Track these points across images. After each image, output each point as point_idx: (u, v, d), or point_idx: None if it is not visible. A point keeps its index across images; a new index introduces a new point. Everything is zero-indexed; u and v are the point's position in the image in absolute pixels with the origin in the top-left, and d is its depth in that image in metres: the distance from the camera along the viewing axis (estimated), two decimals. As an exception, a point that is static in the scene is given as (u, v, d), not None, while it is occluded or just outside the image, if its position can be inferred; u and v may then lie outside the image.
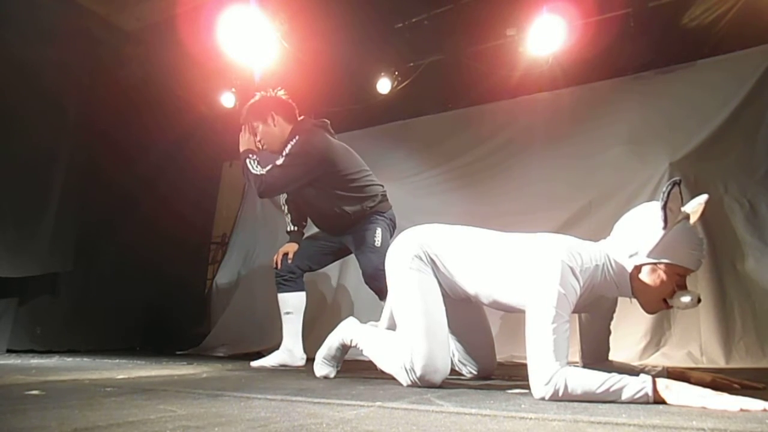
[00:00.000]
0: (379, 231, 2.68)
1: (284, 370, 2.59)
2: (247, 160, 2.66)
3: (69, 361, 2.83)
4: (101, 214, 3.94)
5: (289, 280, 2.81)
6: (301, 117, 2.79)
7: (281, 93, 2.81)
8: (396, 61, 4.10)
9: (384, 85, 4.11)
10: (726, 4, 3.26)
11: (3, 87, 3.22)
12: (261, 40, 3.49)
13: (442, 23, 3.71)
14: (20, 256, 3.29)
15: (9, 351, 3.31)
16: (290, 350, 2.76)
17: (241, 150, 2.75)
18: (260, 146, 2.75)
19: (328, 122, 2.82)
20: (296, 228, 2.96)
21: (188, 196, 4.66)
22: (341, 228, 2.76)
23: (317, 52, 3.83)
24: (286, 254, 2.86)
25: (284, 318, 2.82)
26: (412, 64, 4.09)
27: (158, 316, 4.43)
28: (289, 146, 2.62)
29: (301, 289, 2.84)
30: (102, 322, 3.99)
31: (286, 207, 3.00)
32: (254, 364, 2.74)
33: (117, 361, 2.85)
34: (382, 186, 2.82)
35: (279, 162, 2.61)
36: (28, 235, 3.35)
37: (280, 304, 2.83)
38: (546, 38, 3.37)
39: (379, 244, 2.66)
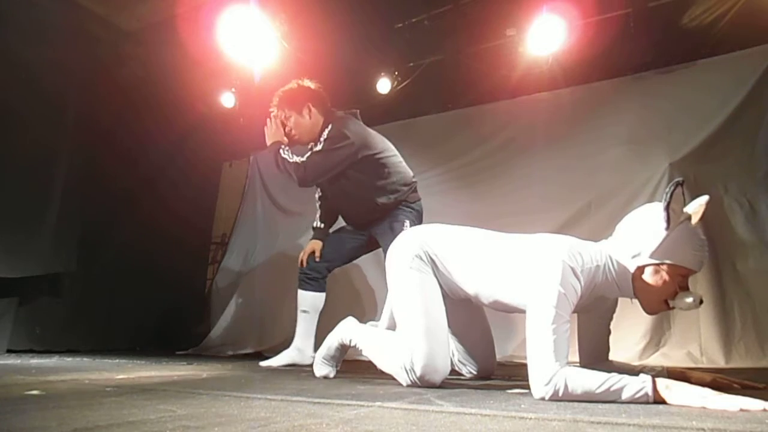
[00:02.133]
0: (407, 223, 2.65)
1: (284, 370, 2.58)
2: (281, 151, 2.63)
3: (69, 361, 2.83)
4: (101, 214, 3.93)
5: (313, 279, 2.79)
6: (332, 108, 2.75)
7: (310, 83, 2.75)
8: (396, 61, 4.09)
9: (384, 85, 4.11)
10: (726, 4, 3.26)
11: (3, 87, 3.22)
12: (261, 40, 3.49)
13: (442, 23, 3.71)
14: (21, 256, 3.29)
15: (9, 351, 3.30)
16: (300, 349, 2.74)
17: (269, 142, 2.71)
18: (289, 138, 2.70)
19: (358, 111, 2.80)
20: (323, 225, 2.92)
21: (188, 196, 4.65)
22: (371, 221, 2.73)
23: (317, 52, 3.83)
24: (312, 253, 2.82)
25: (300, 316, 2.79)
26: (412, 64, 4.09)
27: (158, 316, 4.43)
28: (325, 132, 2.59)
29: (322, 290, 2.81)
30: (102, 322, 3.99)
31: (318, 202, 2.97)
32: (263, 363, 2.73)
33: (117, 361, 2.85)
34: (414, 177, 2.78)
35: (317, 148, 2.57)
36: (29, 235, 3.35)
37: (299, 300, 2.80)
38: (546, 38, 3.37)
39: None
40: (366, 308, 4.00)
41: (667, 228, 1.38)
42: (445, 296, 1.73)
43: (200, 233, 5.04)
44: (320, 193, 2.95)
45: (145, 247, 4.18)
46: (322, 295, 2.82)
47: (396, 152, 2.76)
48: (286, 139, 2.70)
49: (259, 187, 4.92)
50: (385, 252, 2.67)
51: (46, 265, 3.44)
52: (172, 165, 4.55)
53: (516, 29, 3.59)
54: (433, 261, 1.72)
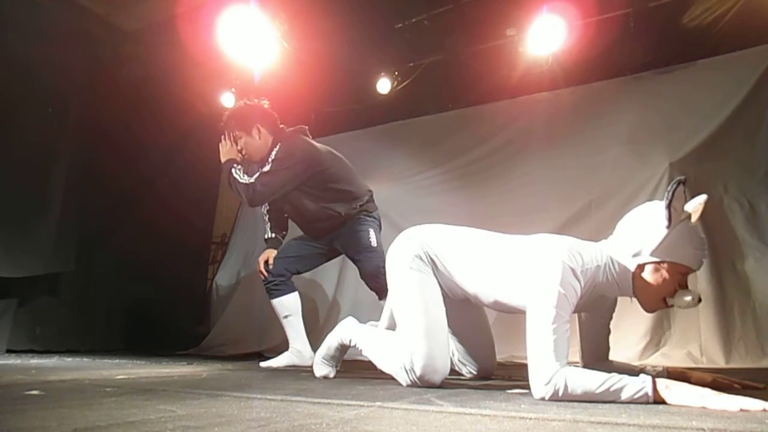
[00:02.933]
0: (371, 231, 2.70)
1: (284, 370, 2.58)
2: (233, 170, 2.65)
3: (69, 361, 2.83)
4: (101, 214, 3.93)
5: (279, 285, 2.80)
6: (281, 126, 2.78)
7: (264, 102, 2.79)
8: (396, 61, 4.10)
9: (384, 85, 4.11)
10: (726, 4, 3.27)
11: (3, 87, 3.22)
12: (261, 40, 3.49)
13: (442, 23, 3.71)
14: (21, 256, 3.29)
15: (9, 351, 3.30)
16: (299, 351, 2.75)
17: (223, 160, 2.73)
18: (241, 156, 2.73)
19: (306, 128, 2.83)
20: (274, 235, 2.96)
21: (188, 196, 4.65)
22: (329, 230, 2.76)
23: (317, 52, 3.83)
24: (266, 262, 2.85)
25: (284, 322, 2.81)
26: (412, 64, 4.09)
27: (158, 316, 4.42)
28: (273, 153, 2.63)
29: (293, 290, 2.83)
30: (102, 322, 3.99)
31: (266, 216, 3.00)
32: (263, 364, 2.74)
33: (117, 361, 2.85)
34: (369, 188, 2.83)
35: (266, 169, 2.61)
36: (29, 235, 3.35)
37: (277, 309, 2.82)
38: (546, 38, 3.37)
39: (375, 244, 2.68)
40: (366, 308, 3.99)
41: (668, 226, 1.38)
42: (445, 296, 1.73)
43: (200, 233, 5.04)
44: (267, 206, 2.97)
45: (145, 247, 4.18)
46: (295, 294, 2.83)
47: (349, 167, 2.79)
48: (239, 156, 2.72)
49: (259, 187, 4.92)
50: (353, 260, 2.72)
51: (45, 264, 3.44)
52: (172, 165, 4.55)
53: (516, 29, 3.59)
54: (433, 261, 1.72)
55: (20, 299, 3.43)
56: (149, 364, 2.61)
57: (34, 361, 2.75)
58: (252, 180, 2.60)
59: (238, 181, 2.62)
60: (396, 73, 4.13)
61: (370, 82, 4.11)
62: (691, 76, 3.41)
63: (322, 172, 2.66)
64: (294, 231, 3.04)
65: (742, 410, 1.11)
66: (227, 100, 4.35)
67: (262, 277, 2.84)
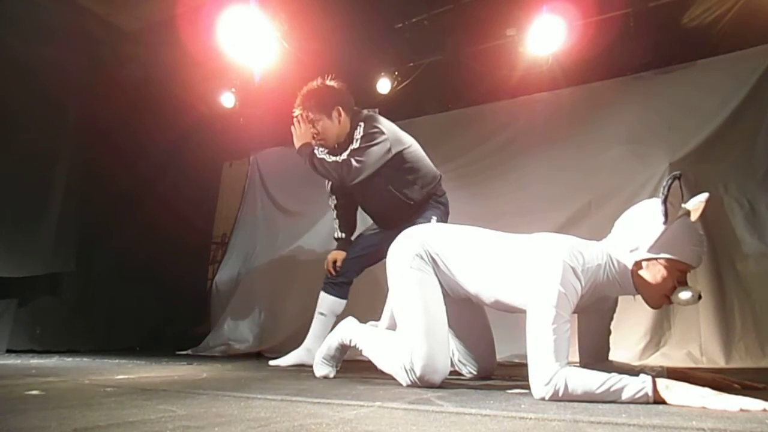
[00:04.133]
0: (433, 219, 2.62)
1: (284, 370, 2.58)
2: (317, 151, 2.56)
3: (69, 361, 2.83)
4: (101, 214, 3.94)
5: (337, 285, 2.78)
6: (356, 108, 2.69)
7: (336, 83, 2.65)
8: (396, 61, 4.09)
9: (384, 85, 4.11)
10: (726, 4, 3.26)
11: (3, 87, 3.22)
12: (261, 40, 3.49)
13: (442, 23, 3.71)
14: (21, 256, 3.29)
15: (9, 351, 3.31)
16: (309, 350, 2.72)
17: (298, 145, 2.60)
18: (315, 139, 2.61)
19: (377, 109, 2.76)
20: (344, 235, 2.90)
21: (188, 196, 4.65)
22: (401, 220, 2.63)
23: (317, 52, 3.83)
24: (335, 262, 2.82)
25: (316, 317, 2.78)
26: (412, 64, 4.09)
27: (158, 316, 4.43)
28: (360, 129, 2.52)
29: (344, 297, 2.80)
30: (102, 322, 3.99)
31: (335, 212, 2.93)
32: (272, 363, 2.73)
33: (117, 361, 2.85)
34: (439, 172, 2.76)
35: (354, 146, 2.50)
36: (29, 235, 3.35)
37: (319, 302, 2.78)
38: (546, 38, 3.37)
39: None
40: (366, 308, 3.99)
41: (665, 222, 1.37)
42: (446, 296, 1.73)
43: (200, 233, 5.04)
44: (335, 201, 2.91)
45: (146, 247, 4.19)
46: (343, 302, 2.80)
47: (420, 147, 2.72)
48: (313, 140, 2.61)
49: (259, 187, 4.92)
50: None
51: (46, 264, 3.44)
52: (172, 165, 4.55)
53: (516, 29, 3.59)
54: (434, 260, 1.72)
55: (20, 299, 3.43)
56: (149, 364, 2.61)
57: (34, 361, 2.75)
58: (344, 157, 2.50)
59: (327, 161, 2.52)
60: (396, 73, 4.12)
61: (370, 82, 4.11)
62: (691, 77, 3.41)
63: (404, 150, 2.59)
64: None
65: (742, 410, 1.11)
66: (227, 100, 4.36)
67: (329, 274, 2.81)
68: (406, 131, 2.64)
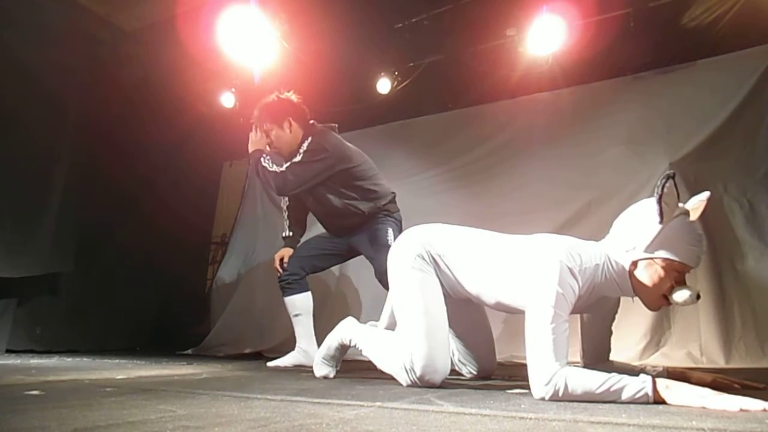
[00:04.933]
0: (390, 231, 2.71)
1: (284, 370, 2.59)
2: (262, 159, 2.69)
3: (69, 361, 2.83)
4: (101, 214, 3.93)
5: (292, 283, 2.82)
6: (311, 121, 2.80)
7: (292, 96, 2.81)
8: (396, 61, 4.09)
9: (384, 85, 4.11)
10: (726, 4, 3.26)
11: (3, 87, 3.21)
12: (261, 40, 3.49)
13: (442, 23, 3.70)
14: (20, 256, 3.29)
15: (9, 351, 3.30)
16: (305, 351, 2.76)
17: (251, 150, 2.77)
18: (269, 148, 2.76)
19: (336, 125, 2.86)
20: (292, 234, 2.99)
21: (188, 196, 4.65)
22: (351, 228, 2.78)
23: (317, 52, 3.83)
24: (282, 259, 2.89)
25: (294, 321, 2.82)
26: (412, 64, 4.08)
27: (158, 316, 4.43)
28: (305, 144, 2.65)
29: (306, 290, 2.85)
30: (102, 322, 3.99)
31: (286, 213, 3.02)
32: (270, 364, 2.75)
33: (117, 361, 2.85)
34: (393, 190, 2.85)
35: (297, 159, 2.63)
36: (29, 235, 3.35)
37: (288, 307, 2.84)
38: (546, 38, 3.37)
39: (392, 243, 2.67)
40: (366, 308, 3.99)
41: (661, 221, 1.37)
42: (446, 296, 1.73)
43: (200, 233, 5.04)
44: (287, 203, 3.00)
45: (145, 247, 4.18)
46: (308, 294, 2.85)
47: (375, 167, 2.82)
48: (267, 148, 2.76)
49: (259, 187, 4.91)
50: (369, 258, 2.73)
51: (45, 264, 3.44)
52: (172, 165, 4.55)
53: (516, 29, 3.59)
54: (435, 261, 1.72)
55: (20, 299, 3.43)
56: (149, 364, 2.61)
57: (34, 361, 2.75)
58: (283, 169, 2.63)
59: (268, 170, 2.66)
60: (396, 73, 4.12)
61: (370, 82, 4.11)
62: (691, 77, 3.40)
63: (351, 168, 2.68)
64: (312, 231, 3.06)
65: (742, 410, 1.11)
66: (227, 100, 4.35)
67: (278, 273, 2.87)
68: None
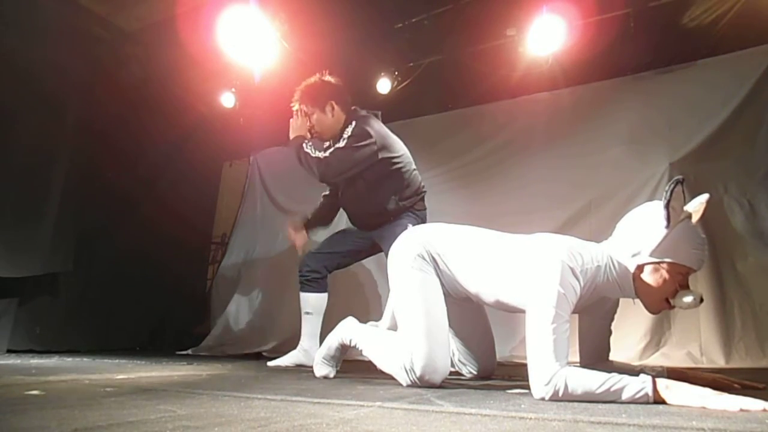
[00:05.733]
0: (409, 227, 2.66)
1: (284, 370, 2.59)
2: (304, 145, 2.62)
3: (69, 361, 2.83)
4: (101, 215, 3.93)
5: (312, 281, 2.81)
6: (354, 107, 2.74)
7: (334, 79, 2.73)
8: (396, 61, 4.09)
9: (384, 85, 4.10)
10: (726, 4, 3.26)
11: (2, 87, 3.21)
12: (261, 40, 3.49)
13: (442, 23, 3.70)
14: (20, 256, 3.29)
15: (9, 351, 3.30)
16: (306, 350, 2.75)
17: (292, 136, 2.70)
18: (311, 133, 2.70)
19: (380, 112, 2.82)
20: (311, 218, 2.96)
21: (188, 197, 4.65)
22: (376, 224, 2.73)
23: (317, 52, 3.83)
24: (294, 227, 2.89)
25: (304, 318, 2.81)
26: (412, 64, 4.08)
27: (158, 316, 4.43)
28: (349, 129, 2.58)
29: (324, 291, 2.83)
30: (102, 322, 3.99)
31: (321, 200, 2.99)
32: (271, 363, 2.75)
33: (117, 361, 2.85)
34: (424, 186, 2.80)
35: (340, 144, 2.55)
36: (29, 235, 3.35)
37: (302, 302, 2.82)
38: (546, 38, 3.37)
39: None
40: (366, 308, 3.99)
41: (667, 226, 1.37)
42: (447, 295, 1.73)
43: (200, 233, 5.04)
44: (326, 192, 2.96)
45: (145, 247, 4.18)
46: (324, 295, 2.83)
47: (411, 159, 2.76)
48: (308, 134, 2.69)
49: (259, 187, 4.92)
50: (386, 255, 2.70)
51: (46, 264, 3.44)
52: (172, 165, 4.55)
53: (516, 29, 3.58)
54: (435, 260, 1.72)
55: (20, 299, 3.43)
56: (149, 364, 2.61)
57: (34, 361, 2.75)
58: (326, 154, 2.56)
59: (311, 156, 2.58)
60: (396, 73, 4.12)
61: (370, 82, 4.11)
62: (691, 76, 3.41)
63: (391, 159, 2.61)
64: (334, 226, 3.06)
65: (742, 410, 1.11)
66: (227, 100, 4.35)
67: (291, 241, 2.88)
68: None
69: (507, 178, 3.82)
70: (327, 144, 2.64)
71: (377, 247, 2.83)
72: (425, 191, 2.80)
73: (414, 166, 2.76)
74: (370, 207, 2.69)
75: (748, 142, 3.18)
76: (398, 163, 2.64)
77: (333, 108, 2.65)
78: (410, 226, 2.62)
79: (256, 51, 3.57)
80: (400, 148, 2.68)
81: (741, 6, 3.21)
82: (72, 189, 3.59)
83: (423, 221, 2.77)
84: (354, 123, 2.59)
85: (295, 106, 2.71)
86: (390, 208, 2.66)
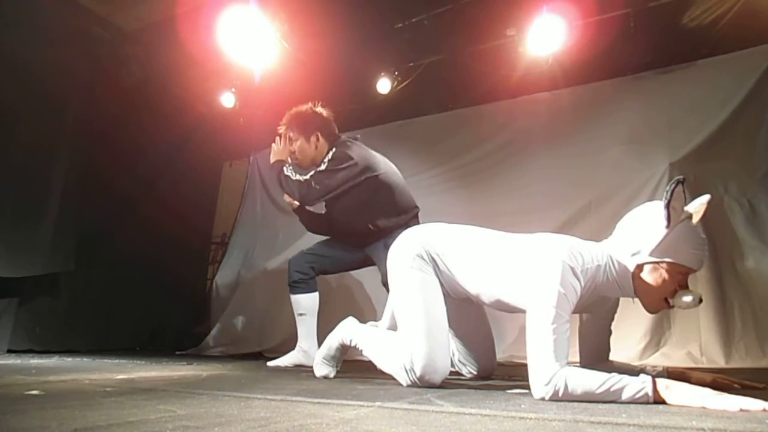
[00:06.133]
0: None
1: (284, 370, 2.59)
2: (285, 169, 2.67)
3: (69, 361, 2.83)
4: (101, 214, 3.93)
5: (301, 282, 2.81)
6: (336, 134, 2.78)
7: (325, 111, 2.77)
8: (396, 61, 4.09)
9: (384, 85, 4.11)
10: (726, 4, 3.26)
11: (2, 87, 3.21)
12: (261, 40, 3.49)
13: (442, 23, 3.70)
14: (21, 256, 3.29)
15: (9, 351, 3.30)
16: (306, 351, 2.76)
17: (273, 160, 2.74)
18: (291, 159, 2.74)
19: (359, 136, 2.84)
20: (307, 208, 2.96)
21: (188, 197, 4.65)
22: (367, 243, 2.74)
23: (317, 52, 3.83)
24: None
25: (298, 319, 2.82)
26: (412, 64, 4.08)
27: (158, 316, 4.43)
28: (329, 154, 2.62)
29: (314, 290, 2.84)
30: (102, 323, 3.99)
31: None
32: (270, 364, 2.76)
33: (117, 361, 2.85)
34: (416, 205, 2.80)
35: (321, 168, 2.60)
36: (29, 235, 3.35)
37: (294, 305, 2.83)
38: (546, 38, 3.37)
39: None
40: (366, 308, 4.00)
41: (668, 226, 1.38)
42: (446, 295, 1.73)
43: (200, 233, 5.04)
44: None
45: (145, 247, 4.18)
46: (315, 295, 2.84)
47: (401, 177, 2.76)
48: (288, 159, 2.74)
49: (259, 187, 4.92)
50: (381, 272, 2.67)
51: (46, 264, 3.44)
52: (172, 165, 4.55)
53: (516, 29, 3.59)
54: (434, 260, 1.72)
55: (20, 299, 3.43)
56: (149, 364, 2.61)
57: (34, 361, 2.75)
58: (308, 177, 2.60)
59: (291, 179, 2.63)
60: (396, 73, 4.12)
61: (370, 82, 4.11)
62: (691, 76, 3.41)
63: (376, 177, 2.63)
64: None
65: (742, 410, 1.11)
66: (227, 100, 4.36)
67: (292, 206, 2.86)
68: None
69: (507, 178, 3.82)
70: (307, 171, 2.68)
71: (369, 261, 2.83)
72: (418, 209, 2.80)
73: (402, 182, 2.76)
74: (360, 227, 2.70)
75: (748, 142, 3.18)
76: (385, 180, 2.66)
77: (318, 139, 2.69)
78: None
79: (256, 51, 3.57)
80: (383, 165, 2.70)
81: (741, 6, 3.21)
82: (72, 189, 3.59)
83: None
84: (334, 148, 2.64)
85: (282, 129, 2.75)
86: (381, 225, 2.67)
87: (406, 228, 2.64)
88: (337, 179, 2.58)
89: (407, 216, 2.72)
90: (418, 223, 2.76)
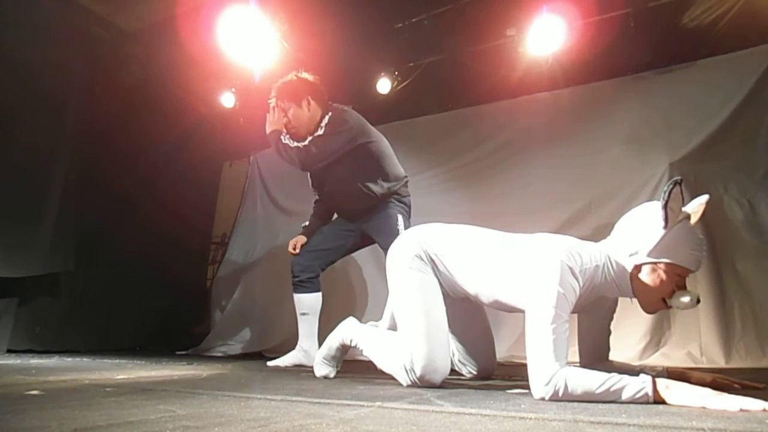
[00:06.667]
0: (400, 218, 2.73)
1: (284, 370, 2.59)
2: (282, 138, 2.71)
3: (69, 361, 2.83)
4: (101, 214, 3.93)
5: (306, 281, 2.82)
6: (330, 102, 2.82)
7: (311, 76, 2.80)
8: (396, 61, 4.09)
9: (384, 85, 4.10)
10: (726, 4, 3.26)
11: (2, 87, 3.21)
12: (261, 40, 3.49)
13: (442, 23, 3.70)
14: (21, 256, 3.29)
15: (9, 351, 3.30)
16: (306, 351, 2.77)
17: (269, 130, 2.77)
18: (286, 128, 2.77)
19: (351, 107, 2.87)
20: (309, 223, 3.01)
21: (188, 197, 4.65)
22: (363, 212, 2.78)
23: (317, 52, 3.83)
24: (296, 246, 2.91)
25: (300, 319, 2.83)
26: (412, 64, 4.08)
27: (158, 316, 4.42)
28: (325, 119, 2.67)
29: (317, 290, 2.85)
30: (102, 322, 3.99)
31: (314, 205, 3.06)
32: (270, 363, 2.76)
33: (117, 361, 2.85)
34: (405, 174, 2.87)
35: (319, 133, 2.65)
36: (29, 235, 3.35)
37: (297, 304, 2.84)
38: (546, 38, 3.37)
39: (402, 230, 2.69)
40: (366, 308, 4.00)
41: (665, 227, 1.38)
42: (446, 295, 1.73)
43: (200, 233, 5.04)
44: (317, 197, 3.02)
45: (146, 247, 4.18)
46: (318, 295, 2.86)
47: (390, 149, 2.83)
48: (284, 129, 2.77)
49: (259, 187, 4.92)
50: (382, 248, 2.71)
51: (46, 264, 3.44)
52: (172, 165, 4.54)
53: (516, 29, 3.58)
54: (433, 261, 1.72)
55: (20, 299, 3.43)
56: (149, 364, 2.61)
57: (34, 361, 2.75)
58: (306, 143, 2.65)
59: (290, 147, 2.67)
60: (396, 73, 4.12)
61: (370, 82, 4.11)
62: (691, 76, 3.40)
63: (369, 144, 2.70)
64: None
65: (742, 410, 1.11)
66: (227, 100, 4.35)
67: (292, 256, 2.90)
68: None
69: (507, 178, 3.82)
70: (304, 138, 2.72)
71: (367, 239, 2.87)
72: (408, 178, 2.87)
73: (392, 153, 2.82)
74: (355, 189, 2.73)
75: (748, 142, 3.18)
76: (377, 148, 2.73)
77: (309, 103, 2.73)
78: (400, 217, 2.70)
79: (256, 51, 3.57)
80: (376, 134, 2.77)
81: (741, 6, 3.21)
82: (72, 189, 3.59)
83: (409, 207, 2.84)
84: (330, 113, 2.69)
85: (272, 102, 2.78)
86: (375, 190, 2.72)
87: (398, 195, 2.77)
88: (335, 142, 2.64)
89: (398, 183, 2.79)
90: (407, 191, 2.86)
